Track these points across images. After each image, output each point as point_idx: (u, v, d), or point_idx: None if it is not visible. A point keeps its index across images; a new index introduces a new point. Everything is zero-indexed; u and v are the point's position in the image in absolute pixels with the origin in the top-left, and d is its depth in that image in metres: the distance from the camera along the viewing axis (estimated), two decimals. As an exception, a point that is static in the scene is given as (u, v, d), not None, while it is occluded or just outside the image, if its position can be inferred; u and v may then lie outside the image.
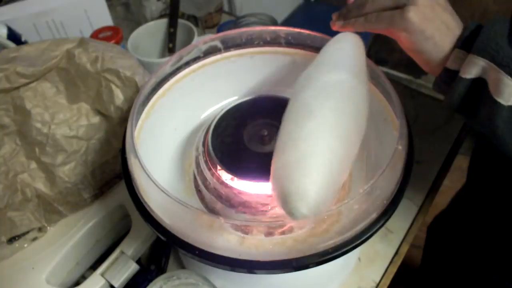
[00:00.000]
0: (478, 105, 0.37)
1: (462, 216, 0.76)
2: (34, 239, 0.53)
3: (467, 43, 0.36)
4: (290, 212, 0.30)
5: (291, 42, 0.50)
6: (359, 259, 0.53)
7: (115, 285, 0.47)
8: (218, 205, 0.42)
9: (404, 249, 0.55)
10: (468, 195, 0.75)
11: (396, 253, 0.55)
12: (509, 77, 0.34)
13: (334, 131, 0.33)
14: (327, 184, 0.31)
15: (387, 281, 0.53)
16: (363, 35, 0.45)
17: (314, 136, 0.33)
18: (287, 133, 0.34)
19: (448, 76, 0.38)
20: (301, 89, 0.37)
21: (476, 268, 0.70)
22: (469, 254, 0.72)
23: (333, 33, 0.48)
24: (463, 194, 0.78)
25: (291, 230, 0.40)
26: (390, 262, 0.54)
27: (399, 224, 0.57)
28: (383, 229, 0.45)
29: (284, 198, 0.30)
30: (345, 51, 0.40)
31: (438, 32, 0.38)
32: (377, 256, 0.54)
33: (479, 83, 0.36)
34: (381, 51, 0.93)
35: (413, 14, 0.37)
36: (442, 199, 0.83)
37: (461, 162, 1.10)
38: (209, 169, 0.42)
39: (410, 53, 0.40)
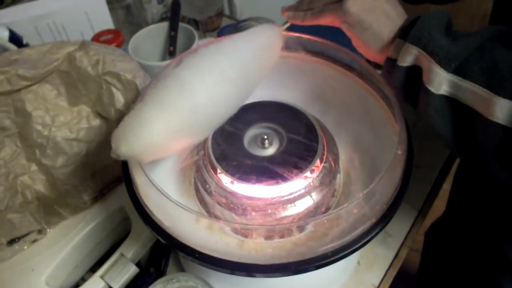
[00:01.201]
0: (416, 93, 0.38)
1: (458, 221, 0.76)
2: (34, 241, 0.53)
3: (406, 32, 0.37)
4: (114, 152, 0.36)
5: (290, 46, 0.50)
6: (358, 262, 0.53)
7: (115, 287, 0.47)
8: (218, 208, 0.42)
9: (403, 253, 0.55)
10: (457, 202, 0.75)
11: (396, 257, 0.55)
12: (438, 66, 0.34)
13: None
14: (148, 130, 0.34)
15: (386, 285, 0.53)
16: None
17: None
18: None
19: (390, 65, 0.39)
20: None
21: (474, 273, 0.70)
22: (466, 259, 0.73)
23: (331, 37, 0.49)
24: (457, 202, 0.78)
25: (290, 233, 0.40)
26: (389, 266, 0.54)
27: (399, 228, 0.57)
28: (382, 233, 0.46)
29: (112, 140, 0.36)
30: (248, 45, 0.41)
31: (377, 22, 0.39)
32: (377, 260, 0.54)
33: (416, 71, 0.37)
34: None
35: (351, 5, 0.39)
36: (441, 203, 0.83)
37: (461, 167, 1.10)
38: (209, 173, 0.42)
39: (354, 43, 0.42)
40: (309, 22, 0.44)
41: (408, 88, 0.39)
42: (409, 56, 0.37)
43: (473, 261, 0.70)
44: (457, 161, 0.69)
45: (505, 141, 0.32)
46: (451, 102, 0.35)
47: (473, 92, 0.33)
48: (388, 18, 0.39)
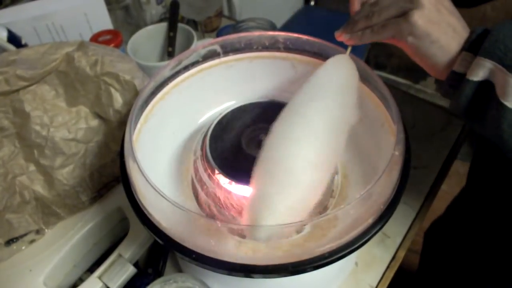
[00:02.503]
0: (485, 108, 0.36)
1: (459, 222, 0.76)
2: (32, 241, 0.53)
3: (474, 46, 0.36)
4: (251, 235, 0.34)
5: (289, 47, 0.51)
6: (356, 263, 0.54)
7: (112, 287, 0.48)
8: (216, 209, 0.42)
9: (401, 254, 0.55)
10: (466, 200, 0.75)
11: (393, 258, 0.55)
12: None
13: (313, 160, 0.35)
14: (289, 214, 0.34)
15: (384, 286, 0.53)
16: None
17: (295, 166, 0.35)
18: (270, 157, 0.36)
19: (455, 79, 0.38)
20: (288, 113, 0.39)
21: (473, 274, 0.70)
22: (465, 260, 0.73)
23: (332, 38, 0.49)
24: (461, 200, 0.78)
25: (288, 234, 0.40)
26: (387, 267, 0.54)
27: (396, 229, 0.57)
28: (380, 234, 0.46)
29: (251, 223, 0.34)
30: (334, 78, 0.41)
31: (445, 35, 0.37)
32: (374, 261, 0.54)
33: (486, 86, 0.36)
34: (380, 56, 0.94)
35: (418, 18, 0.37)
36: (440, 204, 0.83)
37: (459, 168, 1.11)
38: (207, 173, 0.42)
39: (416, 58, 0.40)
40: (368, 40, 0.41)
41: (475, 104, 0.37)
42: (482, 71, 0.35)
43: (473, 261, 0.70)
44: (458, 161, 0.69)
45: None
46: None
47: None
48: (455, 31, 0.38)
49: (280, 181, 0.34)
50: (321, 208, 0.44)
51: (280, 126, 0.38)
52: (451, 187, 0.87)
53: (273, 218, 0.33)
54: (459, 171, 1.21)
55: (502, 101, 0.34)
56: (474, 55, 0.36)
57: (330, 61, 0.42)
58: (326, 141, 0.37)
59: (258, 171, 0.36)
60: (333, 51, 0.49)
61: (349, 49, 0.44)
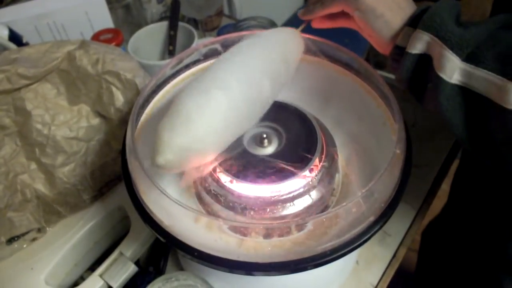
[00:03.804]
0: (424, 81, 0.37)
1: (455, 221, 0.76)
2: (33, 239, 0.53)
3: (416, 21, 0.37)
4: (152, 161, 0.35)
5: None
6: (357, 262, 0.54)
7: (114, 286, 0.48)
8: (217, 207, 0.42)
9: (402, 252, 0.55)
10: (456, 203, 0.76)
11: (394, 256, 0.55)
12: (450, 52, 0.34)
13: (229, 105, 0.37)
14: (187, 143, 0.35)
15: (385, 284, 0.53)
16: (362, 41, 0.46)
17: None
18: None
19: (398, 54, 0.39)
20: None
21: (470, 272, 0.70)
22: (461, 258, 0.73)
23: (331, 37, 0.49)
24: (454, 201, 0.78)
25: (289, 232, 0.40)
26: (388, 265, 0.54)
27: (397, 227, 0.57)
28: (381, 232, 0.46)
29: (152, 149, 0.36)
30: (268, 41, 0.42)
31: (390, 11, 0.39)
32: (375, 259, 0.54)
33: (425, 59, 0.37)
34: (379, 55, 0.94)
35: None
36: (440, 203, 0.83)
37: (459, 167, 1.10)
38: (209, 171, 0.42)
39: (364, 33, 0.42)
40: (320, 13, 0.44)
41: (416, 77, 0.38)
42: (419, 43, 0.36)
43: (471, 259, 0.70)
44: (457, 160, 0.70)
45: None
46: (464, 91, 0.34)
47: (486, 80, 0.33)
48: (400, 7, 0.39)
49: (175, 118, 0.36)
50: (323, 206, 0.44)
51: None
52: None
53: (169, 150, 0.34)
54: (460, 170, 1.21)
55: (439, 73, 0.35)
56: (414, 29, 0.37)
57: (276, 29, 0.45)
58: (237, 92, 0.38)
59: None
60: (334, 50, 0.49)
61: (301, 26, 0.47)
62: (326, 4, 0.43)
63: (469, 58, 0.34)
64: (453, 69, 0.34)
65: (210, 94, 0.36)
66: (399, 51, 0.39)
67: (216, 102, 0.36)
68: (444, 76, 0.35)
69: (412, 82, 0.39)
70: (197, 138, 0.35)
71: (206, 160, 0.39)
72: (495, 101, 0.32)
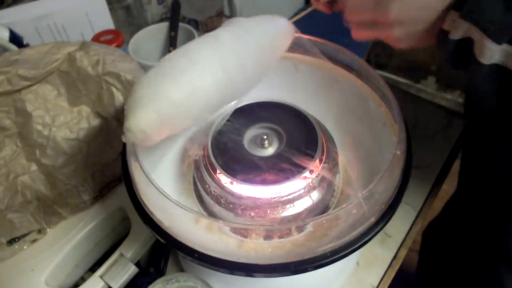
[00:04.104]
0: (467, 62, 0.38)
1: (455, 220, 0.76)
2: (34, 241, 0.53)
3: (459, 5, 0.37)
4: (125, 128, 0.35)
5: (290, 47, 0.50)
6: (357, 263, 0.54)
7: (114, 287, 0.47)
8: (217, 208, 0.42)
9: (402, 253, 0.55)
10: (460, 199, 0.75)
11: (395, 257, 0.55)
12: (490, 40, 0.34)
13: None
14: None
15: (385, 285, 0.53)
16: (363, 41, 0.45)
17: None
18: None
19: (444, 38, 0.39)
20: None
21: (471, 271, 0.70)
22: (463, 258, 0.73)
23: (331, 37, 0.49)
24: (455, 199, 0.78)
25: (289, 233, 0.40)
26: (388, 267, 0.54)
27: (398, 228, 0.57)
28: (381, 233, 0.45)
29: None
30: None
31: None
32: (376, 260, 0.54)
33: (468, 42, 0.37)
34: (381, 56, 0.94)
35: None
36: (441, 204, 0.83)
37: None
38: (209, 173, 0.42)
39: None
40: None
41: (459, 58, 0.38)
42: (460, 30, 0.36)
43: (472, 258, 0.70)
44: (457, 162, 0.70)
45: None
46: (501, 70, 0.35)
47: None
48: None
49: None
50: (323, 207, 0.44)
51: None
52: (452, 186, 0.87)
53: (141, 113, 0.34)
54: (460, 170, 1.21)
55: (479, 58, 0.35)
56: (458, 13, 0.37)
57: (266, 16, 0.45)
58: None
59: None
60: (334, 51, 0.49)
61: (294, 19, 0.46)
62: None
63: (511, 41, 0.34)
64: (493, 54, 0.35)
65: (180, 65, 0.37)
66: (445, 34, 0.38)
67: (195, 69, 0.36)
68: (483, 60, 0.35)
69: (456, 62, 0.39)
70: (172, 101, 0.35)
71: (178, 128, 0.38)
72: None
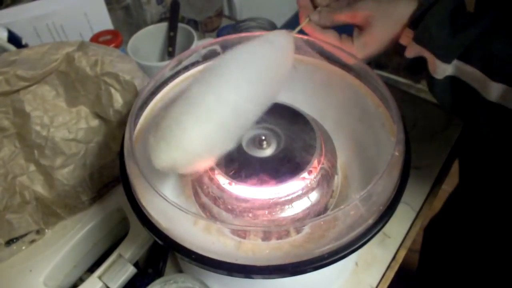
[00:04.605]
0: (423, 70, 0.41)
1: (456, 218, 0.76)
2: (32, 241, 0.53)
3: (415, 23, 0.40)
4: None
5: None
6: (356, 264, 0.53)
7: (112, 287, 0.48)
8: (216, 210, 0.42)
9: (402, 254, 0.55)
10: (460, 197, 0.75)
11: (394, 258, 0.55)
12: (440, 61, 0.38)
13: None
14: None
15: (384, 286, 0.53)
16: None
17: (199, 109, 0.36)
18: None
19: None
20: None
21: (472, 270, 0.70)
22: (464, 255, 0.73)
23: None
24: (456, 196, 0.78)
25: (288, 234, 0.40)
26: (388, 267, 0.54)
27: (397, 229, 0.57)
28: (380, 234, 0.45)
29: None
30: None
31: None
32: (375, 261, 0.54)
33: (421, 58, 0.40)
34: (381, 56, 0.93)
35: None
36: (441, 204, 0.83)
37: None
38: (207, 174, 0.42)
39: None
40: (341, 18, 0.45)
41: (416, 68, 0.42)
42: (414, 51, 0.40)
43: (474, 256, 0.69)
44: (457, 162, 0.69)
45: (496, 112, 0.37)
46: (454, 79, 0.39)
47: (473, 74, 0.37)
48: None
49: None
50: (322, 208, 0.44)
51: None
52: (452, 186, 0.87)
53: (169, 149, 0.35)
54: (460, 171, 1.21)
55: (432, 75, 0.39)
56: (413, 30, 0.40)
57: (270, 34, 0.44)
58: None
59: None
60: (334, 51, 0.49)
61: (296, 29, 0.46)
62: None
63: (460, 57, 0.37)
64: (444, 71, 0.38)
65: (204, 104, 0.36)
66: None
67: (210, 112, 0.36)
68: (436, 75, 0.39)
69: (412, 71, 0.43)
70: (190, 150, 0.35)
71: (201, 165, 0.40)
72: (478, 91, 0.37)
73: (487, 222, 0.65)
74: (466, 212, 0.71)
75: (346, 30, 0.46)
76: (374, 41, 0.43)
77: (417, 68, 0.42)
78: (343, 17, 0.44)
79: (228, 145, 0.38)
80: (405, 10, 0.41)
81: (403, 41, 0.42)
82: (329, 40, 0.45)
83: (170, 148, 0.35)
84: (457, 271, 0.76)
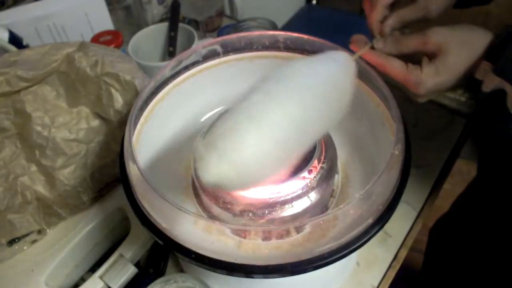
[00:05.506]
0: (500, 107, 0.38)
1: (465, 219, 0.75)
2: (34, 241, 0.53)
3: (492, 55, 0.37)
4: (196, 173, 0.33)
5: (289, 47, 0.50)
6: (357, 263, 0.53)
7: (114, 287, 0.48)
8: (216, 209, 0.42)
9: (403, 253, 0.55)
10: (474, 197, 0.74)
11: (395, 257, 0.55)
12: None
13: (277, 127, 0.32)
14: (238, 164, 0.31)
15: (386, 285, 0.52)
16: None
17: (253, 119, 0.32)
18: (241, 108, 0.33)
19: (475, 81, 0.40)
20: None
21: (478, 272, 0.70)
22: (471, 258, 0.72)
23: (333, 36, 0.48)
24: (468, 196, 0.77)
25: (288, 234, 0.40)
26: (389, 267, 0.54)
27: (398, 228, 0.57)
28: (381, 233, 0.45)
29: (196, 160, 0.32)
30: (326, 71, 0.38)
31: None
32: (376, 261, 0.54)
33: (500, 91, 0.38)
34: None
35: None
36: (443, 203, 0.82)
37: (462, 166, 1.10)
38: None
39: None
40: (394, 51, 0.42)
41: (489, 102, 0.40)
42: (492, 84, 0.38)
43: (480, 259, 0.69)
44: (459, 160, 0.69)
45: None
46: None
47: None
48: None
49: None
50: (322, 207, 0.44)
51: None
52: (455, 185, 0.87)
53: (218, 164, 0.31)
54: (462, 169, 1.21)
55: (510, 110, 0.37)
56: (491, 64, 0.37)
57: (332, 53, 0.40)
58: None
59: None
60: (332, 50, 0.49)
61: (357, 54, 0.42)
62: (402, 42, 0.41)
63: None
64: None
65: (267, 116, 0.32)
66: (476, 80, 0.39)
67: (273, 125, 0.32)
68: None
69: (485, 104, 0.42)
70: (246, 167, 0.31)
71: (252, 186, 0.36)
72: None
73: (500, 224, 0.64)
74: (477, 214, 0.70)
75: (345, 31, 0.46)
76: (447, 69, 0.39)
77: (492, 102, 0.39)
78: (413, 44, 0.40)
79: (284, 167, 0.34)
80: (482, 39, 0.38)
81: (479, 75, 0.38)
82: (395, 69, 0.41)
83: (222, 161, 0.30)
84: (462, 274, 0.75)
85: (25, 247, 0.52)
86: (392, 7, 0.44)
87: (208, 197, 0.42)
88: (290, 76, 0.35)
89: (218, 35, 0.86)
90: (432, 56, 0.40)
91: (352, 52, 0.42)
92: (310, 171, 0.41)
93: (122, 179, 0.41)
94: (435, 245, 0.89)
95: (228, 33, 0.60)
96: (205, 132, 0.34)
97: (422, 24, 0.42)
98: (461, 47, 0.38)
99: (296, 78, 0.35)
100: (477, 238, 0.70)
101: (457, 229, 0.78)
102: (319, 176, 0.42)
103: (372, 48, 0.43)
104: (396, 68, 0.41)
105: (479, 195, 0.72)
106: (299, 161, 0.41)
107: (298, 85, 0.34)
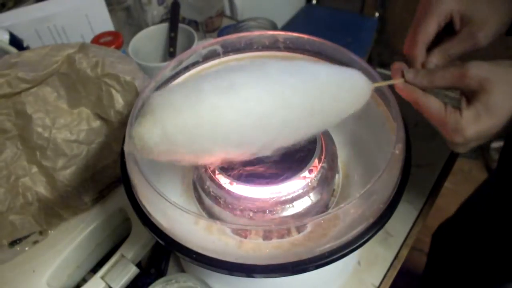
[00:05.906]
0: None
1: (472, 224, 0.74)
2: (35, 242, 0.53)
3: None
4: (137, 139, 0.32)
5: (289, 47, 0.51)
6: (358, 262, 0.53)
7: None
8: (217, 209, 0.42)
9: (404, 252, 0.55)
10: (485, 200, 0.73)
11: (396, 256, 0.55)
12: None
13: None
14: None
15: (387, 285, 0.52)
16: (365, 40, 0.45)
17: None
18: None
19: None
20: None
21: (482, 276, 0.69)
22: (476, 263, 0.71)
23: (334, 35, 0.48)
24: (476, 201, 0.76)
25: (289, 233, 0.40)
26: (390, 266, 0.54)
27: (399, 227, 0.57)
28: (383, 232, 0.45)
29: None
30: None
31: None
32: (377, 260, 0.54)
33: None
34: (383, 54, 0.93)
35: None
36: (444, 202, 0.82)
37: (463, 165, 1.10)
38: (208, 173, 0.42)
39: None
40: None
41: None
42: None
43: (484, 263, 0.69)
44: (459, 160, 0.69)
45: None
46: None
47: None
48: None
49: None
50: (322, 207, 0.44)
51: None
52: (456, 184, 0.87)
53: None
54: (464, 168, 1.21)
55: None
56: None
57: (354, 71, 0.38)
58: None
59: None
60: (334, 51, 0.49)
61: (374, 84, 0.39)
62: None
63: None
64: None
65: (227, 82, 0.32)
66: None
67: (211, 105, 0.31)
68: None
69: None
70: (176, 134, 0.31)
71: (184, 159, 0.34)
72: None
73: (503, 230, 0.63)
74: (488, 219, 0.69)
75: (345, 31, 0.46)
76: (490, 112, 0.33)
77: None
78: (449, 76, 0.35)
79: (226, 149, 0.33)
80: None
81: None
82: (431, 110, 0.36)
83: (155, 123, 0.30)
84: (466, 279, 0.75)
85: (26, 248, 0.52)
86: (435, 43, 0.39)
87: (209, 197, 0.42)
88: (257, 68, 0.34)
89: (218, 36, 0.86)
90: (471, 96, 0.34)
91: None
92: (310, 171, 0.41)
93: (123, 179, 0.41)
94: (439, 249, 0.88)
95: (228, 34, 0.60)
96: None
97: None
98: (507, 86, 0.33)
99: (275, 70, 0.34)
100: (484, 243, 0.69)
101: (463, 234, 0.77)
102: (319, 175, 0.42)
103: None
104: (433, 109, 0.36)
105: (491, 200, 0.70)
106: (300, 161, 0.42)
107: (269, 77, 0.33)
